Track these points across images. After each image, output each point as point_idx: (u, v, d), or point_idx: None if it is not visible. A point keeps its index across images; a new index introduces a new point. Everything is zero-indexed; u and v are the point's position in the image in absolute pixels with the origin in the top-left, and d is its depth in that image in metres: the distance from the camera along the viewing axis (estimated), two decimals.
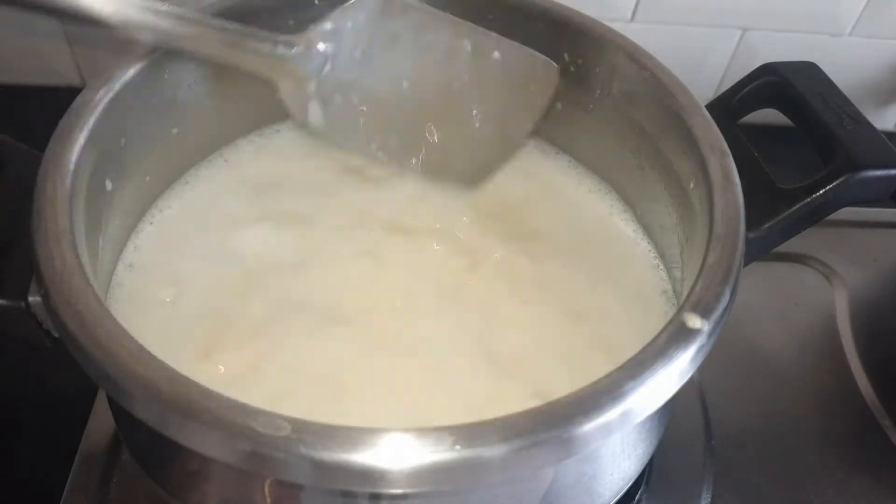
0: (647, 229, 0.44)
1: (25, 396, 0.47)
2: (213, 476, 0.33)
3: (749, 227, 0.35)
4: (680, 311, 0.30)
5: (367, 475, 0.26)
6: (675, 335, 0.29)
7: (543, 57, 0.43)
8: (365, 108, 0.45)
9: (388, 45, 0.44)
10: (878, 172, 0.38)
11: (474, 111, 0.45)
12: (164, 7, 0.36)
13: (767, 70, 0.42)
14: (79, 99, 0.36)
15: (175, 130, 0.42)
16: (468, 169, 0.45)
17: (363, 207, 0.43)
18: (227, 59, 0.39)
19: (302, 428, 0.26)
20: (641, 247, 0.43)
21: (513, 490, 0.32)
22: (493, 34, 0.43)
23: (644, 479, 0.45)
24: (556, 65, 0.43)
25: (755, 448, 0.48)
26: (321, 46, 0.42)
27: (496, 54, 0.43)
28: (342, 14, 0.42)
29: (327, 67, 0.42)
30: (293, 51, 0.41)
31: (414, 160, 0.45)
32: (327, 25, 0.42)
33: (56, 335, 0.30)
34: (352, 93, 0.44)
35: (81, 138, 0.34)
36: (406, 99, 0.44)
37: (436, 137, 0.45)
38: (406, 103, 0.44)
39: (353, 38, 0.43)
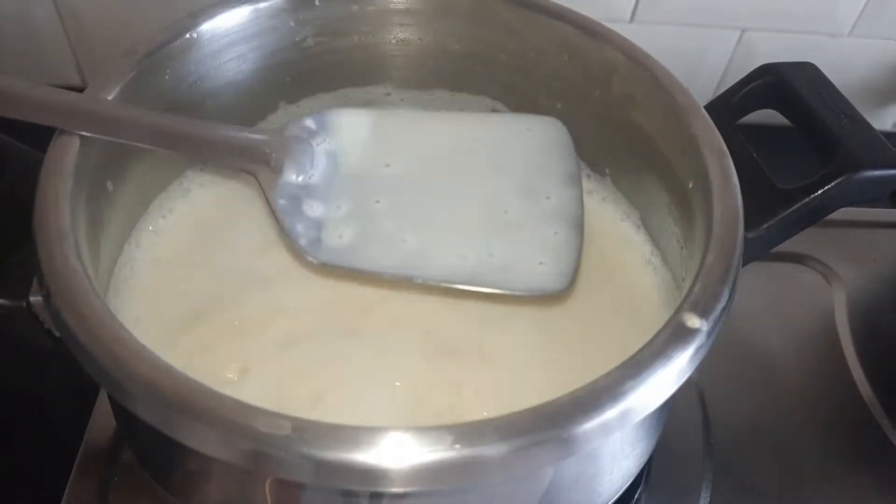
0: (647, 229, 0.44)
1: (26, 396, 0.47)
2: (215, 475, 0.33)
3: (748, 227, 0.35)
4: (679, 310, 0.30)
5: (368, 474, 0.26)
6: (674, 335, 0.29)
7: (547, 118, 0.41)
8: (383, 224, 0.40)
9: (391, 151, 0.41)
10: (877, 172, 0.38)
11: (506, 211, 0.41)
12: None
13: (766, 70, 0.42)
14: None
15: None
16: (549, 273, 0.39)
17: None
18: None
19: (303, 427, 0.26)
20: (640, 246, 0.43)
21: (512, 489, 0.32)
22: (492, 115, 0.42)
23: (643, 478, 0.45)
24: (561, 122, 0.41)
25: (754, 447, 0.48)
26: (303, 133, 0.39)
27: (502, 135, 0.41)
28: (322, 116, 0.40)
29: (336, 179, 0.40)
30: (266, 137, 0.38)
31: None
32: (306, 121, 0.40)
33: (57, 335, 0.30)
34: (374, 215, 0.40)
35: (83, 138, 0.34)
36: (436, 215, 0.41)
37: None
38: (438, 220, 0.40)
39: (354, 144, 0.41)
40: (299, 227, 0.39)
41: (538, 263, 0.38)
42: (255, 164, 0.39)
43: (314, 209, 0.40)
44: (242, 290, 0.39)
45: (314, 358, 0.37)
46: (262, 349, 0.37)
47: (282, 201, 0.39)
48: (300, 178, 0.40)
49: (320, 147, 0.41)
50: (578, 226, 0.40)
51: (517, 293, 0.38)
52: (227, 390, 0.27)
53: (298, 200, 0.40)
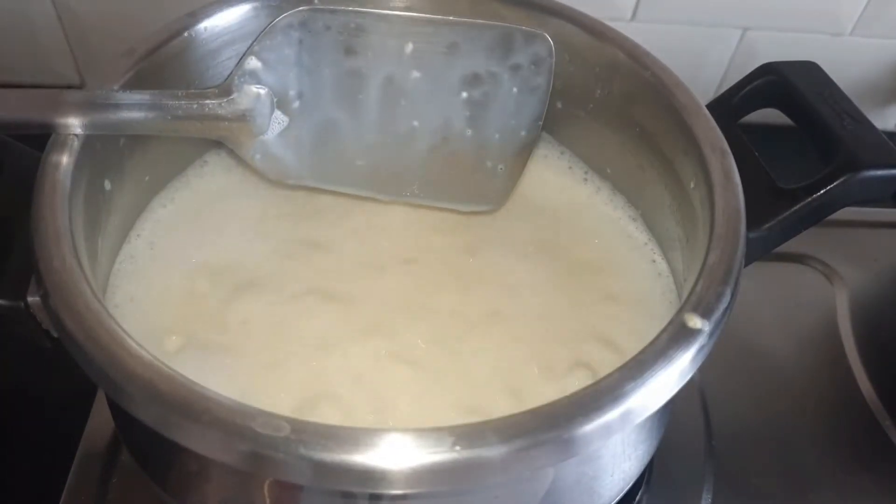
0: (648, 228, 0.44)
1: (24, 396, 0.47)
2: (213, 476, 0.33)
3: (750, 227, 0.35)
4: (680, 311, 0.30)
5: (367, 476, 0.26)
6: (676, 335, 0.29)
7: (532, 30, 0.41)
8: (347, 149, 0.42)
9: (343, 68, 0.41)
10: (879, 172, 0.37)
11: (468, 127, 0.43)
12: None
13: (768, 69, 0.42)
14: None
15: None
16: (487, 191, 0.43)
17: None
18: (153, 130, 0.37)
19: (301, 428, 0.26)
20: (642, 245, 0.43)
21: (513, 490, 0.32)
22: (458, 20, 0.40)
23: (644, 480, 0.45)
24: (548, 37, 0.41)
25: (756, 448, 0.48)
26: (254, 89, 0.40)
27: (468, 44, 0.40)
28: (262, 47, 0.39)
29: (276, 112, 0.41)
30: (221, 102, 0.38)
31: (414, 193, 0.43)
32: (249, 64, 0.39)
33: (55, 335, 0.30)
34: (325, 135, 0.42)
35: (80, 138, 0.34)
36: (389, 128, 0.42)
37: (435, 168, 0.43)
38: (393, 133, 0.42)
39: (294, 70, 0.41)
40: (281, 169, 0.42)
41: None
42: (221, 134, 0.40)
43: (289, 145, 0.42)
44: (238, 269, 0.40)
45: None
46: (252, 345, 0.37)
47: (258, 156, 0.41)
48: (268, 127, 0.41)
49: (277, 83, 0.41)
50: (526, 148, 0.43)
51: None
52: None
53: (273, 148, 0.42)
